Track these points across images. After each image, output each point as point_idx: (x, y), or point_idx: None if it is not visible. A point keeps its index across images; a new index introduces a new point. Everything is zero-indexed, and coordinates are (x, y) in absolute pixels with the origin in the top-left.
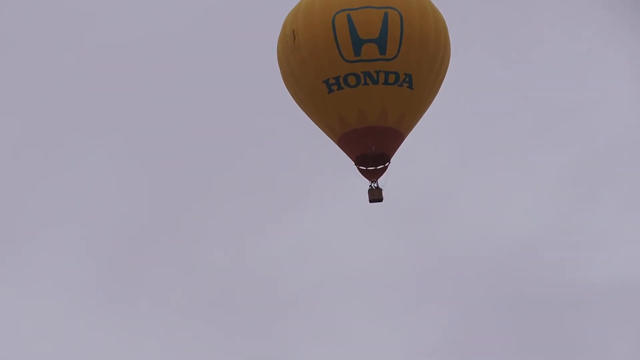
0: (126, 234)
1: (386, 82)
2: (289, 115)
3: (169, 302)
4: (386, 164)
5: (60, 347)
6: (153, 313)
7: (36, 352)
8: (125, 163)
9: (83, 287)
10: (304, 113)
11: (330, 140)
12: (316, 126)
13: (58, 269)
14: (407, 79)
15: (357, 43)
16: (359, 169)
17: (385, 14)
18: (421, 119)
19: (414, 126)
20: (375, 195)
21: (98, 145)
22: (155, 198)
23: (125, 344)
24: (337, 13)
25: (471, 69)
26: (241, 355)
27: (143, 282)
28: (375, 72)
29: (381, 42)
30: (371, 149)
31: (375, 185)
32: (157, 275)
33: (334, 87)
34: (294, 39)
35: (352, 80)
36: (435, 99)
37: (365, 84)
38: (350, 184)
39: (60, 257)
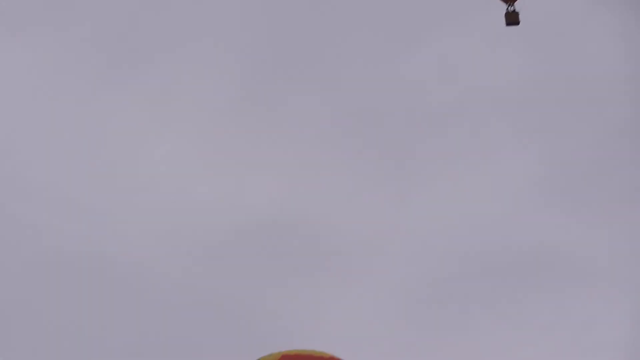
0: (272, 56)
1: None
2: None
3: (313, 122)
4: None
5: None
6: (299, 130)
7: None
8: None
9: (225, 104)
10: None
11: None
12: None
13: (202, 86)
14: None
15: None
16: None
17: None
18: None
19: None
20: (512, 19)
21: None
22: (299, 23)
23: (268, 163)
24: None
25: None
26: (384, 170)
27: (288, 100)
28: None
29: None
30: None
31: (512, 8)
32: (302, 94)
33: None
34: None
35: None
36: None
37: None
38: (487, 8)
39: (204, 75)
